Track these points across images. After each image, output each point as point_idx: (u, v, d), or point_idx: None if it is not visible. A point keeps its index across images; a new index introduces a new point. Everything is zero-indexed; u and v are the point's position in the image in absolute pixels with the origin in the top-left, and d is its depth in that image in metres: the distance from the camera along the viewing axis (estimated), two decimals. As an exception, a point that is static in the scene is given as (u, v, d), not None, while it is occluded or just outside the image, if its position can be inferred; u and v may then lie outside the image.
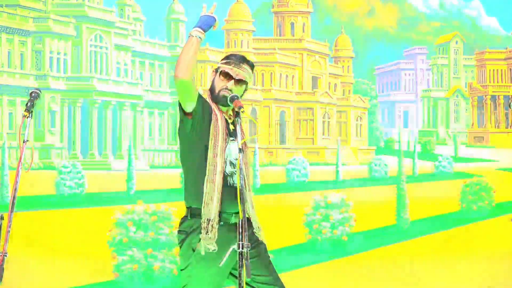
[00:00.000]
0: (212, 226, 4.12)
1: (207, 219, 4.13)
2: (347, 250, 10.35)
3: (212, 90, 4.34)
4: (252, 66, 4.42)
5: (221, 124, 4.24)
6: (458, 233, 10.87)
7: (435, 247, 9.52)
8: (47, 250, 8.25)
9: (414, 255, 9.43)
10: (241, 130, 4.07)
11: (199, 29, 4.16)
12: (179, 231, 4.31)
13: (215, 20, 4.18)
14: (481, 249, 9.30)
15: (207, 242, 4.11)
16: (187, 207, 4.33)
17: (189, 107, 4.15)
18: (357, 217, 10.77)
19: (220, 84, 4.31)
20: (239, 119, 4.03)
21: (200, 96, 4.21)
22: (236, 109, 4.04)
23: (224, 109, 4.34)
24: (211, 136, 4.20)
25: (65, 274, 8.27)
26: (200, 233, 4.15)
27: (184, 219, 4.32)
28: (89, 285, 8.37)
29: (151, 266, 8.33)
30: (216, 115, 4.24)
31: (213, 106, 4.30)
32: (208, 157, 4.19)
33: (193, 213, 4.26)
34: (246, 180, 4.22)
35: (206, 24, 4.19)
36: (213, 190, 4.15)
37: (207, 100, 4.31)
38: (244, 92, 4.40)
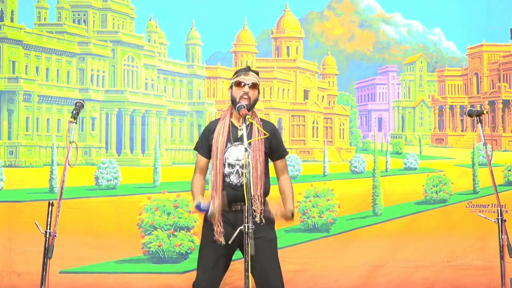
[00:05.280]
0: (216, 224, 4.18)
1: (213, 217, 4.21)
2: (332, 230, 10.33)
3: (233, 101, 4.34)
4: (257, 72, 4.42)
5: (221, 136, 4.28)
6: (423, 217, 10.83)
7: (404, 228, 9.50)
8: (88, 230, 8.23)
9: (386, 234, 9.42)
10: (248, 132, 4.08)
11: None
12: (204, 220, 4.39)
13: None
14: (441, 230, 9.26)
15: (217, 235, 4.15)
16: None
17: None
18: (340, 204, 10.74)
19: (238, 93, 4.31)
20: (244, 124, 4.02)
21: (204, 138, 4.29)
22: (242, 116, 4.04)
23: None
24: (213, 150, 4.28)
25: (102, 250, 8.25)
26: (207, 222, 4.22)
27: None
28: (122, 259, 8.36)
29: (172, 244, 8.31)
30: (218, 131, 4.30)
31: (227, 116, 4.34)
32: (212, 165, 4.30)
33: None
34: (252, 173, 4.22)
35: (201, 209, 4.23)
36: (214, 190, 4.21)
37: (211, 126, 4.37)
38: (258, 95, 4.39)
